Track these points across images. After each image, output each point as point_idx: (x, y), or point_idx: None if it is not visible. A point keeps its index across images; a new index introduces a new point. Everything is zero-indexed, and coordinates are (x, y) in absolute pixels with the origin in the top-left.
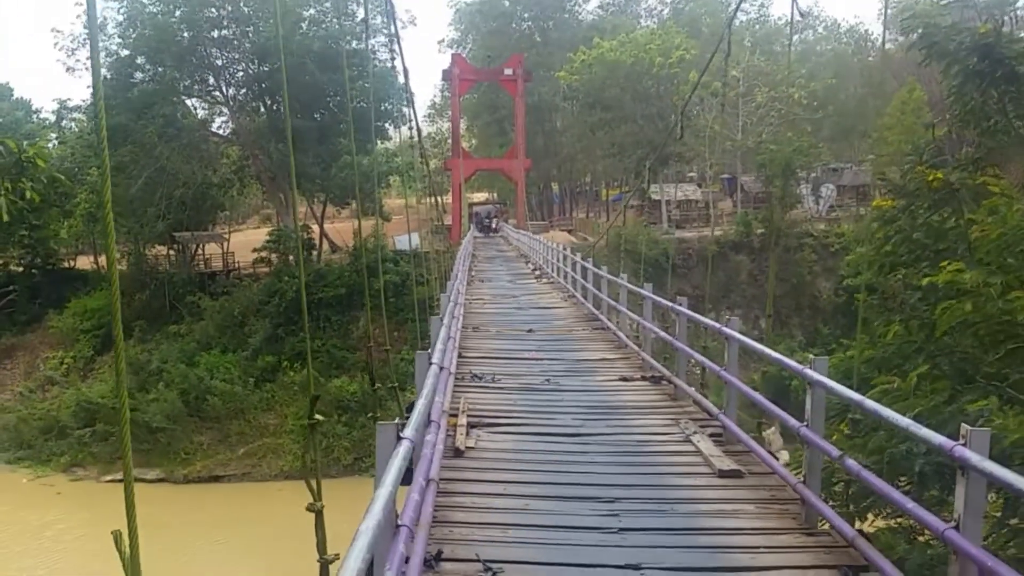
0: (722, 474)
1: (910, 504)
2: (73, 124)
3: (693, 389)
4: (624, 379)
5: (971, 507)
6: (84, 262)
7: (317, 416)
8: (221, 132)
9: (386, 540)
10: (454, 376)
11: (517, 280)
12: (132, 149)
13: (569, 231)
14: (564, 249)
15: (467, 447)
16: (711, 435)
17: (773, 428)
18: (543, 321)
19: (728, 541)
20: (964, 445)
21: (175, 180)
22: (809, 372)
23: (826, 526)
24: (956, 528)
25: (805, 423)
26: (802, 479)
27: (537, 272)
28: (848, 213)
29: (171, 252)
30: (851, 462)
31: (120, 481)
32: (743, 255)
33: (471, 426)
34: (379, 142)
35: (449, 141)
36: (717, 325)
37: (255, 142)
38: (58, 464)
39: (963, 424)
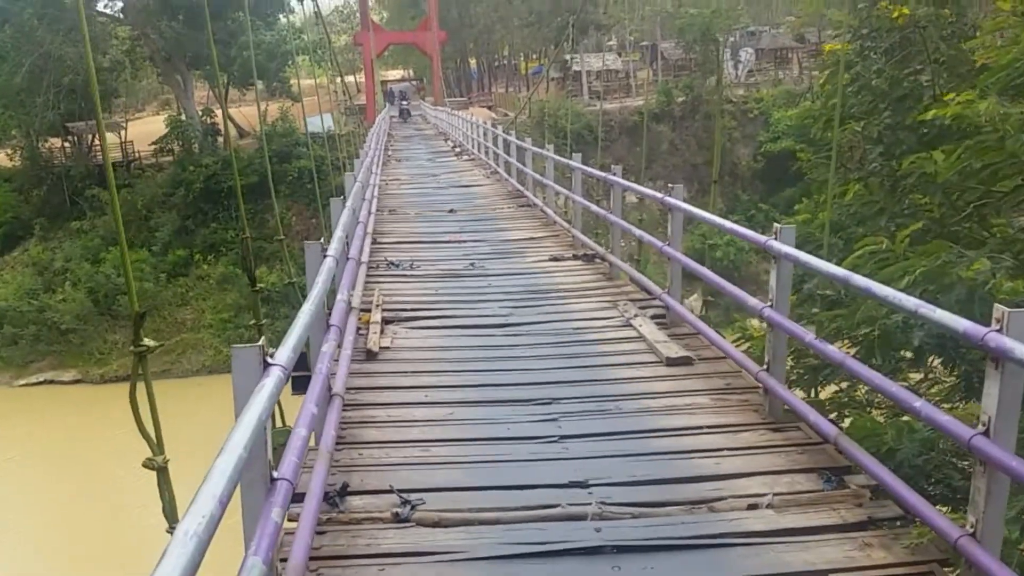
0: (670, 362)
1: (918, 403)
2: None
3: (630, 266)
4: (555, 259)
5: (1006, 408)
6: None
7: (146, 341)
8: (108, 11)
9: (256, 494)
10: (366, 265)
11: (436, 159)
12: (12, 34)
13: (489, 107)
14: (485, 124)
15: (381, 347)
16: (653, 317)
17: (695, 295)
18: (465, 200)
19: (685, 444)
20: (1000, 331)
21: (62, 66)
22: (775, 244)
23: (794, 419)
24: (986, 434)
25: (769, 303)
26: (765, 367)
27: (457, 149)
28: (767, 78)
29: (66, 144)
30: (832, 349)
31: (34, 384)
32: (664, 125)
33: (386, 322)
34: (281, 17)
35: (358, 14)
36: (659, 195)
37: (146, 20)
38: None
39: (997, 305)
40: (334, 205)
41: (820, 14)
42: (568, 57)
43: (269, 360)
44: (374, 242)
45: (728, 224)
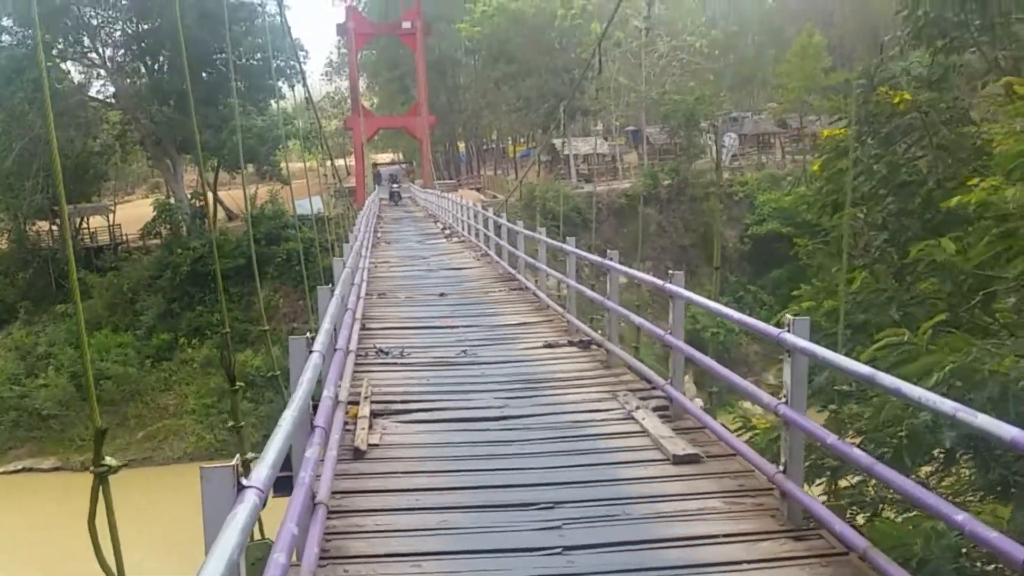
0: (678, 460)
1: (960, 516)
2: None
3: (628, 354)
4: (549, 345)
5: None
6: None
7: (107, 460)
8: (100, 96)
9: None
10: (355, 353)
11: (426, 240)
12: (2, 119)
13: (478, 189)
14: (475, 206)
15: (369, 445)
16: (655, 409)
17: (687, 377)
18: (456, 283)
19: (701, 556)
20: None
21: (50, 149)
22: (787, 337)
23: (814, 525)
24: None
25: (783, 399)
26: (781, 468)
27: (447, 231)
28: (750, 162)
29: (53, 227)
30: (859, 453)
31: (12, 472)
32: (651, 208)
33: (375, 415)
34: (273, 103)
35: (349, 100)
36: (659, 282)
37: (137, 105)
38: None
39: None
40: (321, 294)
41: (801, 100)
42: (556, 141)
43: (244, 482)
44: (363, 328)
45: (736, 315)
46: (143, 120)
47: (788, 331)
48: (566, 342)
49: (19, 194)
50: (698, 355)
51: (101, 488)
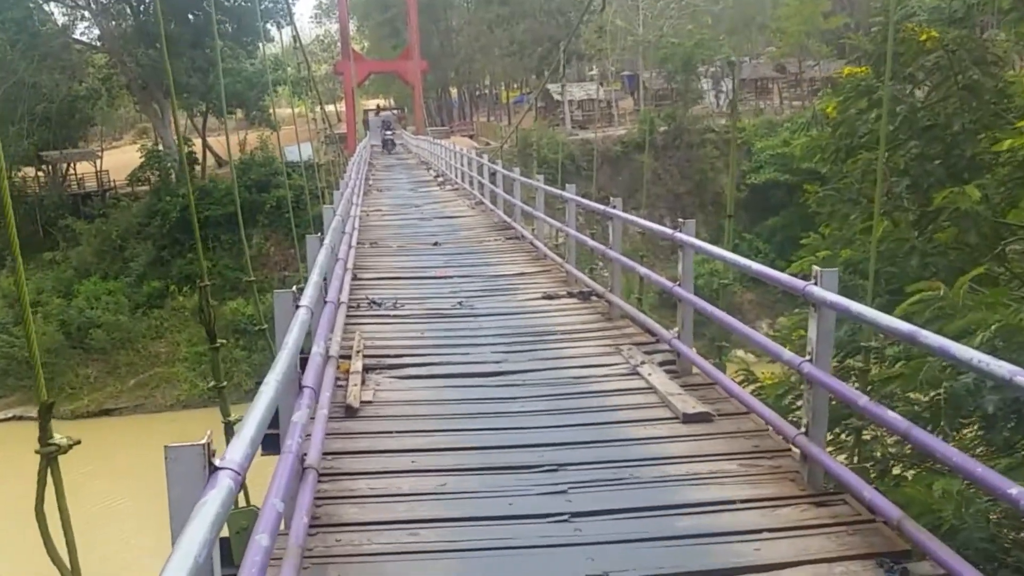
0: (687, 418)
1: (1014, 490)
2: None
3: (632, 307)
4: (548, 297)
5: None
6: None
7: (56, 438)
8: (84, 39)
9: None
10: (346, 305)
11: (419, 188)
12: None
13: (471, 136)
14: (469, 153)
15: (362, 402)
16: (661, 364)
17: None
18: (450, 232)
19: (717, 523)
20: None
21: (36, 93)
22: (815, 290)
23: (836, 489)
24: None
25: (808, 358)
26: (803, 431)
27: (440, 179)
28: (748, 107)
29: (40, 173)
30: (894, 416)
31: (3, 420)
32: (647, 155)
33: (368, 369)
34: (260, 46)
35: (339, 44)
36: (668, 231)
37: (122, 48)
38: None
39: None
40: (310, 243)
41: (800, 44)
42: (551, 87)
43: (216, 463)
44: (354, 278)
45: (756, 266)
46: (129, 63)
47: (815, 284)
48: (565, 293)
49: (3, 139)
50: (709, 308)
51: (50, 470)
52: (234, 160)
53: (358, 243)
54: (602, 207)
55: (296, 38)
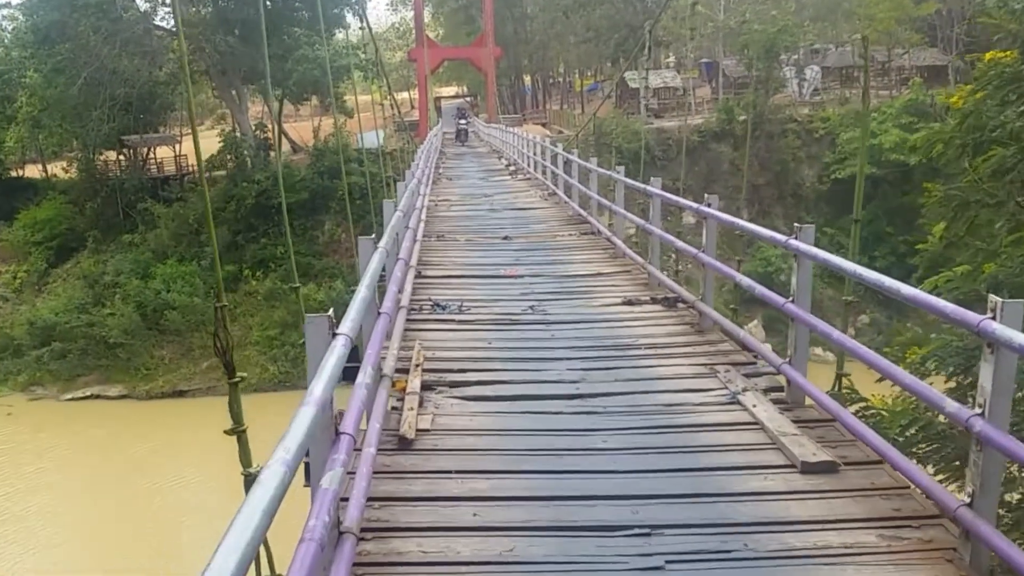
0: (807, 468)
1: None
2: (4, 22)
3: (729, 320)
4: (629, 302)
5: None
6: (33, 171)
7: None
8: (165, 24)
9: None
10: (406, 309)
11: (490, 178)
12: (69, 47)
13: (543, 124)
14: (543, 141)
15: (419, 430)
16: (766, 391)
17: (755, 321)
18: (521, 225)
19: None
20: None
21: (118, 79)
22: (993, 327)
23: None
24: None
25: (979, 411)
26: (967, 499)
27: (512, 168)
28: (833, 96)
29: (121, 157)
30: None
31: (81, 399)
32: (724, 145)
33: (426, 387)
34: (337, 32)
35: (414, 31)
36: (780, 238)
37: (201, 34)
38: (15, 384)
39: None
40: (362, 248)
41: (889, 32)
42: (627, 74)
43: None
44: (418, 275)
45: (907, 289)
46: (207, 49)
47: (993, 318)
48: (648, 299)
49: (87, 124)
50: (827, 328)
51: None
52: (308, 147)
53: (424, 236)
54: (695, 205)
55: (363, 19)
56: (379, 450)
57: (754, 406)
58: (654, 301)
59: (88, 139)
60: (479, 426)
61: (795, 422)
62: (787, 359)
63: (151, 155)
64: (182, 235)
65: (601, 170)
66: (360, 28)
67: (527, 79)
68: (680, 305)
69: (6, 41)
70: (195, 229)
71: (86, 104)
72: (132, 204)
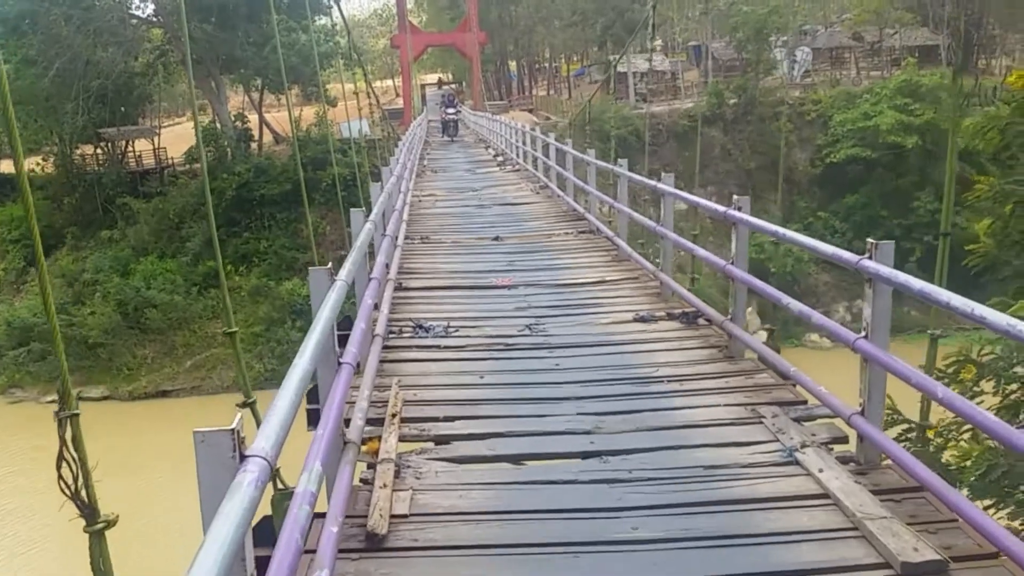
0: (908, 570)
1: None
2: None
3: (767, 347)
4: (642, 319)
5: None
6: (6, 166)
7: None
8: (140, 13)
9: None
10: (381, 338)
11: (477, 169)
12: (41, 38)
13: (530, 110)
14: (533, 130)
15: (393, 517)
16: (829, 444)
17: (750, 308)
18: (513, 223)
19: None
20: None
21: (92, 70)
22: None
23: None
24: None
25: None
26: None
27: (500, 158)
28: (823, 78)
29: (98, 151)
30: None
31: None
32: (715, 129)
33: (405, 440)
34: (316, 18)
35: (396, 17)
36: (852, 257)
37: (177, 22)
38: None
39: None
40: (314, 278)
41: (879, 12)
42: (611, 58)
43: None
44: (398, 287)
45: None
46: (183, 38)
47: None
48: (664, 314)
49: (61, 117)
50: (908, 369)
51: None
52: (289, 137)
53: (406, 238)
54: (723, 208)
55: (338, 7)
56: (339, 553)
57: (820, 471)
58: (671, 317)
59: (63, 132)
60: (471, 507)
61: (874, 492)
62: (858, 408)
63: (129, 148)
64: (162, 230)
65: (601, 163)
66: (333, 20)
67: (512, 65)
68: (701, 321)
69: None
70: (176, 224)
71: (59, 96)
72: (111, 199)
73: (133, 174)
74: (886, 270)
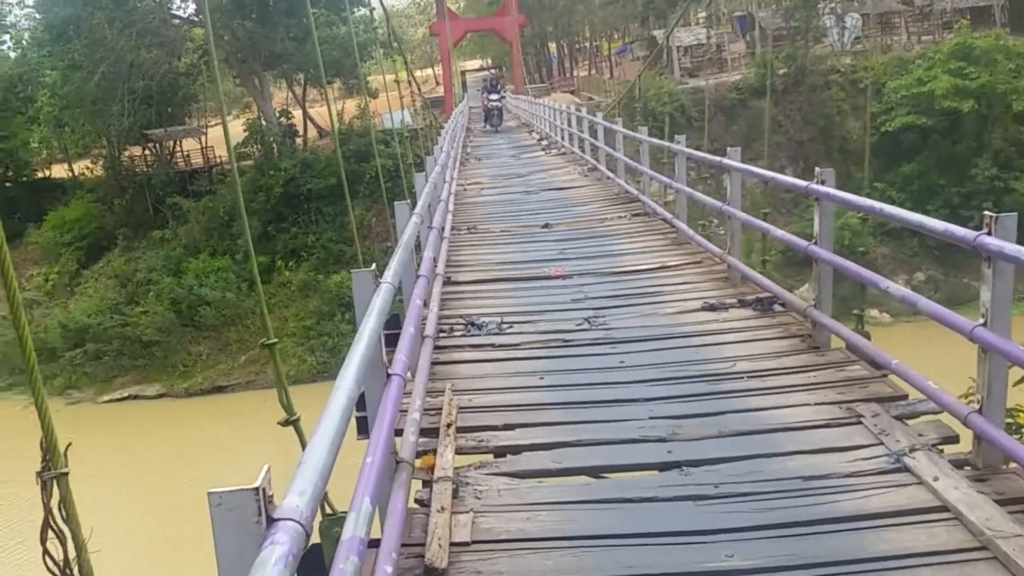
0: None
1: None
2: (20, 19)
3: (858, 335)
4: (712, 307)
5: None
6: (59, 171)
7: None
8: (181, 13)
9: None
10: (431, 338)
11: (521, 154)
12: (85, 42)
13: (572, 92)
14: (578, 111)
15: (453, 546)
16: (939, 446)
17: (807, 285)
18: (562, 209)
19: None
20: None
21: (136, 72)
22: None
23: None
24: None
25: None
26: None
27: (544, 142)
28: (874, 44)
29: (146, 152)
30: None
31: (119, 400)
32: (764, 101)
33: (461, 452)
34: (355, 10)
35: (434, 4)
36: (966, 233)
37: (219, 20)
38: (52, 388)
39: None
40: (357, 281)
41: None
42: (655, 33)
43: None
44: (447, 282)
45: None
46: (225, 36)
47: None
48: (735, 301)
49: (107, 119)
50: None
51: None
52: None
53: (453, 229)
54: (804, 183)
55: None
56: None
57: (935, 479)
58: (743, 304)
59: (111, 135)
60: (539, 531)
61: (999, 502)
62: (976, 405)
63: (177, 148)
64: (213, 228)
65: (656, 141)
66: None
67: (552, 46)
68: (777, 306)
69: (24, 42)
70: (226, 222)
71: (105, 99)
72: (161, 199)
73: (182, 174)
74: (1012, 247)
